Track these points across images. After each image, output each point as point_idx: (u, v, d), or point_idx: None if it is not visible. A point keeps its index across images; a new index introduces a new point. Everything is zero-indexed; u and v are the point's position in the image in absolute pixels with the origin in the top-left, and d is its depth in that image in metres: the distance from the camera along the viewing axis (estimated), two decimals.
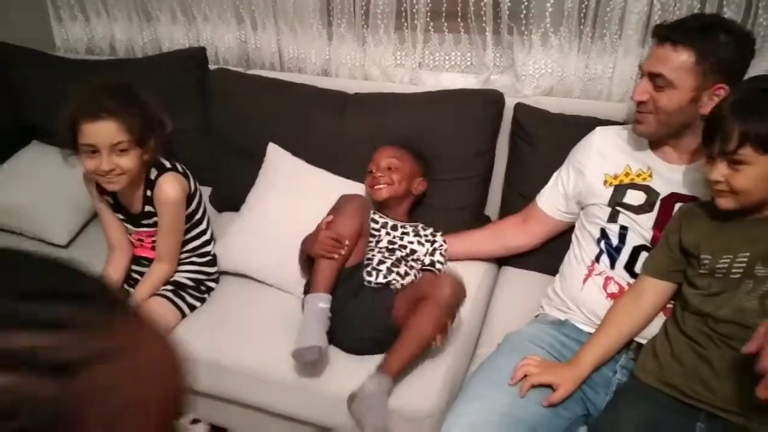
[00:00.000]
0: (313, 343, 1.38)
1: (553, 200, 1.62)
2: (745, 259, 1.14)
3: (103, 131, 1.52)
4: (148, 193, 1.68)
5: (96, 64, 2.30)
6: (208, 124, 2.12)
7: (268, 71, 2.23)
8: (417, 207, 1.85)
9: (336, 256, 1.51)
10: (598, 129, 1.56)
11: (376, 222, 1.73)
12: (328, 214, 1.62)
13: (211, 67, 2.24)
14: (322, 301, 1.47)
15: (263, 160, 1.97)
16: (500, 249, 1.77)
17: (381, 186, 1.73)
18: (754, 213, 1.16)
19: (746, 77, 1.30)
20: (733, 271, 1.15)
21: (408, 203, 1.78)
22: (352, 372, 1.44)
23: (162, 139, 1.64)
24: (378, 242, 1.69)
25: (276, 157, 1.97)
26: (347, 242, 1.52)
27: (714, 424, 1.13)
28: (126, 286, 1.75)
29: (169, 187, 1.66)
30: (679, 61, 1.27)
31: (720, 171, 1.13)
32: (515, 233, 1.73)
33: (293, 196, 1.84)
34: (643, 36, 1.78)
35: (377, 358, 1.43)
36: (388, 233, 1.72)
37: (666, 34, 1.29)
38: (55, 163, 2.00)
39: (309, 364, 1.43)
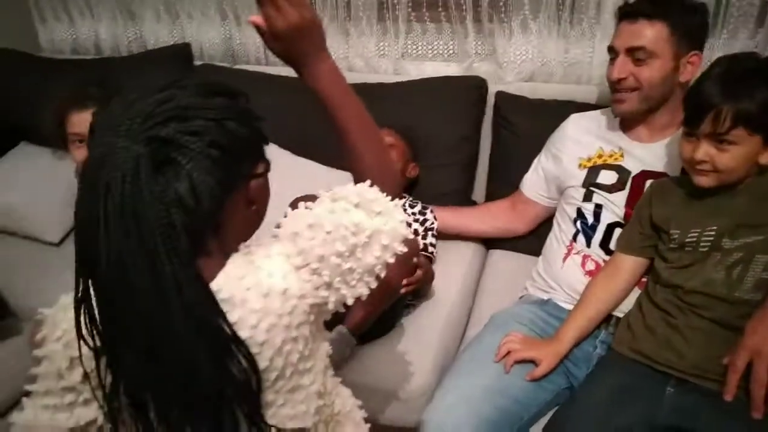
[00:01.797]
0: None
1: (534, 186, 1.67)
2: (713, 233, 1.18)
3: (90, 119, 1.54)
4: None
5: (81, 63, 2.32)
6: None
7: (254, 66, 2.25)
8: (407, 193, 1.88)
9: None
10: (572, 116, 1.61)
11: None
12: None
13: (197, 63, 2.26)
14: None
15: None
16: (492, 229, 1.80)
17: None
18: (723, 187, 1.20)
19: (722, 54, 1.33)
20: (702, 244, 1.19)
21: (400, 187, 1.80)
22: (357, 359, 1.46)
23: None
24: None
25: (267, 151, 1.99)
26: None
27: (683, 388, 1.17)
28: None
29: None
30: (656, 32, 1.33)
31: (706, 151, 1.14)
32: (505, 216, 1.76)
33: (283, 189, 1.85)
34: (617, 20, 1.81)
35: (379, 342, 1.47)
36: None
37: (638, 10, 1.35)
38: (44, 163, 2.03)
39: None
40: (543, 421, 1.27)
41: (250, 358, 0.72)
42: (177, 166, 0.69)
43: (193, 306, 0.68)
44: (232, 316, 0.72)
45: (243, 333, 0.72)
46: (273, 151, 2.00)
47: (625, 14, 1.38)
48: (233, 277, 0.75)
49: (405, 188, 1.85)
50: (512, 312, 1.47)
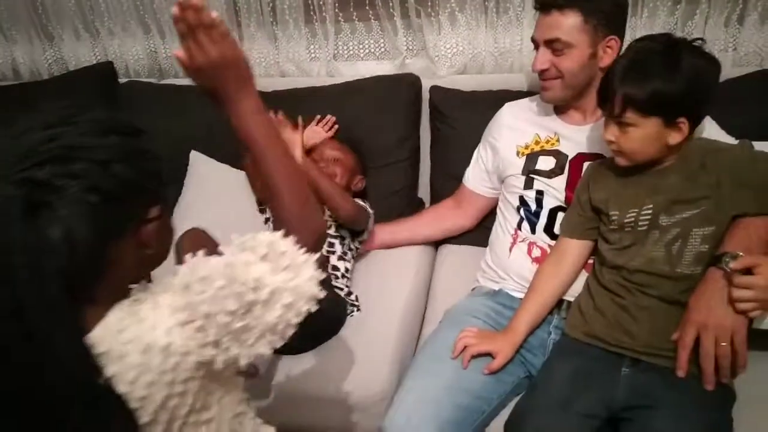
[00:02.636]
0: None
1: (477, 178, 1.67)
2: (650, 211, 1.20)
3: None
4: None
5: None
6: None
7: (183, 79, 2.19)
8: None
9: None
10: (506, 105, 1.62)
11: None
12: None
13: (122, 80, 2.19)
14: None
15: (186, 170, 1.95)
16: (439, 232, 1.80)
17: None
18: (655, 166, 1.22)
19: (643, 35, 1.36)
20: (640, 223, 1.21)
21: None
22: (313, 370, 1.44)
23: None
24: None
25: (200, 164, 1.95)
26: None
27: (637, 368, 1.18)
28: None
29: None
30: (570, 23, 1.35)
31: (612, 132, 1.20)
32: (451, 216, 1.76)
33: (223, 202, 1.83)
34: None
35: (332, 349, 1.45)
36: None
37: (550, 2, 1.37)
38: None
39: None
40: (504, 413, 1.27)
41: (128, 414, 0.68)
42: (51, 211, 0.65)
43: (64, 359, 0.64)
44: (109, 370, 0.68)
45: (121, 388, 0.68)
46: (209, 165, 1.97)
47: (539, 6, 1.40)
48: (112, 330, 0.71)
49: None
50: (465, 306, 1.46)
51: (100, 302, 0.72)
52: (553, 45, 1.38)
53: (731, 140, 1.35)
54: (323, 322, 1.45)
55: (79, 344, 0.66)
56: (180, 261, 1.52)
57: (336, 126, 1.85)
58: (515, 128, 1.55)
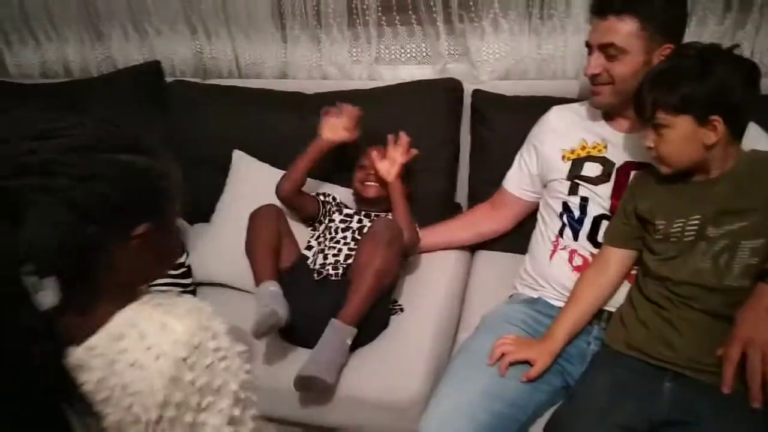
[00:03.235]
0: (271, 306, 1.42)
1: (519, 182, 1.66)
2: (697, 222, 1.18)
3: None
4: None
5: (50, 87, 2.28)
6: (170, 137, 2.11)
7: (226, 79, 2.23)
8: None
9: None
10: (554, 108, 1.60)
11: (347, 214, 1.76)
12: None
13: (168, 80, 2.23)
14: (270, 287, 1.52)
15: (229, 168, 1.98)
16: (474, 237, 1.80)
17: (372, 184, 1.76)
18: (699, 175, 1.21)
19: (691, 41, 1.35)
20: (687, 234, 1.19)
21: (387, 203, 1.77)
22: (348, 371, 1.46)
23: None
24: (343, 236, 1.71)
25: (242, 163, 1.98)
26: None
27: (681, 383, 1.16)
28: None
29: None
30: (626, 29, 1.32)
31: (650, 138, 1.19)
32: (487, 220, 1.76)
33: (263, 201, 1.85)
34: (587, 14, 1.80)
35: (369, 352, 1.47)
36: (354, 222, 1.75)
37: (607, 7, 1.34)
38: None
39: (270, 329, 1.42)
40: (541, 422, 1.26)
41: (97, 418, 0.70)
42: (22, 220, 0.66)
43: (38, 366, 0.66)
44: (93, 372, 0.70)
45: (100, 395, 0.70)
46: (252, 165, 1.99)
47: (596, 10, 1.39)
48: (112, 333, 0.72)
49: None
50: (502, 312, 1.46)
51: (104, 299, 0.74)
52: (608, 50, 1.36)
53: None
54: (373, 323, 1.49)
55: (52, 348, 0.68)
56: (255, 225, 1.63)
57: (413, 151, 1.78)
58: (562, 132, 1.53)
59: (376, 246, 1.47)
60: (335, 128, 1.76)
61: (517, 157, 1.67)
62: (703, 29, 1.74)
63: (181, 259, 1.84)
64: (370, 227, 1.59)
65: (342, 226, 1.75)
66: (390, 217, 1.71)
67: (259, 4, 2.09)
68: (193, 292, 1.84)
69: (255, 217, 1.68)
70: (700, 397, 1.12)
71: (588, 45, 1.42)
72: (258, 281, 1.57)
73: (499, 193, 1.72)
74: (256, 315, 1.42)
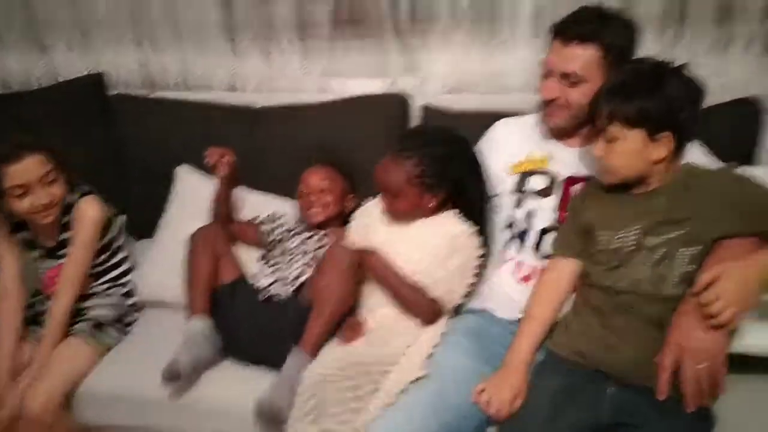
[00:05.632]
0: (174, 359, 1.43)
1: None
2: (637, 232, 1.21)
3: (30, 167, 1.54)
4: (64, 219, 1.65)
5: None
6: (113, 152, 2.06)
7: (174, 92, 2.19)
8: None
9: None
10: (499, 122, 1.62)
11: (297, 234, 1.74)
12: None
13: (112, 92, 2.18)
14: (197, 324, 1.53)
15: (173, 184, 1.95)
16: None
17: (317, 210, 1.72)
18: (639, 187, 1.24)
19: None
20: (627, 244, 1.21)
21: (339, 221, 1.75)
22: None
23: (72, 164, 1.65)
24: (297, 257, 1.69)
25: (187, 178, 1.94)
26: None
27: (623, 388, 1.19)
28: (31, 327, 1.69)
29: (91, 207, 1.65)
30: (588, 57, 1.33)
31: (600, 147, 1.23)
32: None
33: (208, 217, 1.81)
34: (534, 28, 1.86)
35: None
36: (309, 244, 1.72)
37: (571, 32, 1.34)
38: None
39: (176, 381, 1.45)
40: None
41: None
42: None
43: None
44: None
45: None
46: (197, 179, 1.96)
47: (558, 33, 1.38)
48: None
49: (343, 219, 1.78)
50: (448, 325, 1.45)
51: None
52: (567, 77, 1.36)
53: (718, 164, 1.36)
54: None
55: None
56: (191, 258, 1.61)
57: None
58: (507, 145, 1.54)
59: (337, 273, 1.44)
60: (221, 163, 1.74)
61: None
62: (642, 46, 1.79)
63: (129, 277, 1.79)
64: (327, 251, 1.56)
65: (298, 249, 1.71)
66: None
67: (208, 16, 2.07)
68: (139, 311, 1.79)
69: (191, 241, 1.65)
70: (642, 401, 1.15)
71: (545, 66, 1.41)
72: (189, 314, 1.58)
73: None
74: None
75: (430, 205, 1.46)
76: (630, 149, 1.19)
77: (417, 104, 1.94)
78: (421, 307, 1.43)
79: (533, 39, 1.88)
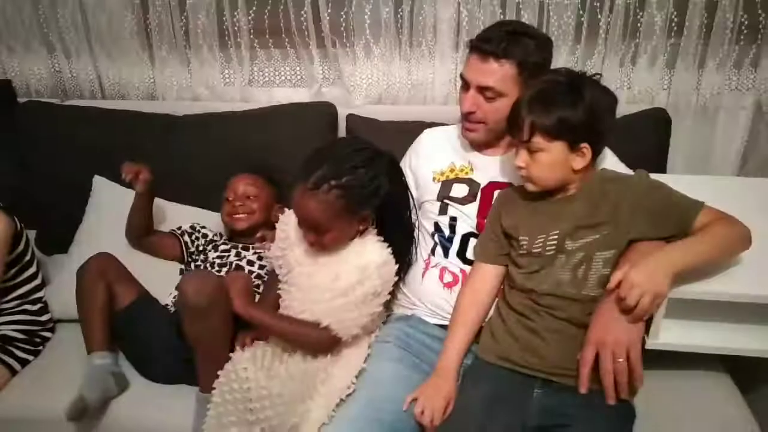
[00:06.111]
0: (78, 395, 1.40)
1: None
2: (556, 237, 1.25)
3: None
4: None
5: None
6: (23, 162, 1.96)
7: (89, 100, 2.11)
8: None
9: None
10: (425, 131, 1.65)
11: (223, 249, 1.70)
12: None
13: (22, 100, 2.07)
14: (96, 360, 1.49)
15: (88, 195, 1.88)
16: None
17: (241, 216, 1.70)
18: (560, 194, 1.28)
19: None
20: (548, 248, 1.25)
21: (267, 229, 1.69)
22: None
23: None
24: (219, 271, 1.65)
25: (103, 189, 1.87)
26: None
27: (549, 389, 1.22)
28: None
29: None
30: (504, 73, 1.36)
31: (522, 158, 1.26)
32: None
33: (125, 229, 1.75)
34: (455, 42, 1.91)
35: None
36: (231, 257, 1.69)
37: (488, 49, 1.37)
38: None
39: (81, 419, 1.41)
40: None
41: None
42: None
43: None
44: None
45: None
46: (113, 190, 1.89)
47: (474, 49, 1.41)
48: None
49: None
50: (378, 332, 1.45)
51: None
52: (485, 92, 1.39)
53: (628, 171, 1.43)
54: None
55: None
56: (81, 287, 1.50)
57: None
58: (432, 155, 1.57)
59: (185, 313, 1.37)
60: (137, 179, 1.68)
61: None
62: (556, 59, 1.87)
63: (39, 293, 1.70)
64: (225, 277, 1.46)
65: (218, 261, 1.68)
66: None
67: (120, 23, 2.01)
68: (52, 330, 1.70)
69: (80, 276, 1.56)
70: (567, 400, 1.18)
71: (463, 79, 1.45)
72: (89, 350, 1.52)
73: None
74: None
75: (359, 228, 1.36)
76: (552, 160, 1.22)
77: (342, 114, 1.94)
78: (310, 342, 1.33)
79: (452, 52, 1.92)
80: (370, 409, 1.24)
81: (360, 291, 1.31)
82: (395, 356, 1.36)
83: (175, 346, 1.45)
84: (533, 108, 1.22)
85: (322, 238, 1.33)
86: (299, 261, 1.39)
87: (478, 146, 1.53)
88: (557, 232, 1.25)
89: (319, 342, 1.32)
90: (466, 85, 1.44)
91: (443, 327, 1.39)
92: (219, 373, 1.30)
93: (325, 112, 1.94)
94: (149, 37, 2.05)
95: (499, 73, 1.37)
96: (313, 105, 1.97)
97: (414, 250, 1.49)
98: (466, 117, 1.46)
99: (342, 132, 1.94)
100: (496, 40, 1.37)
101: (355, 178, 1.29)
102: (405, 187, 1.46)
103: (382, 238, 1.39)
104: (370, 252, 1.35)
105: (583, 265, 1.23)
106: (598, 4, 1.83)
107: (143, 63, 2.08)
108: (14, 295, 1.65)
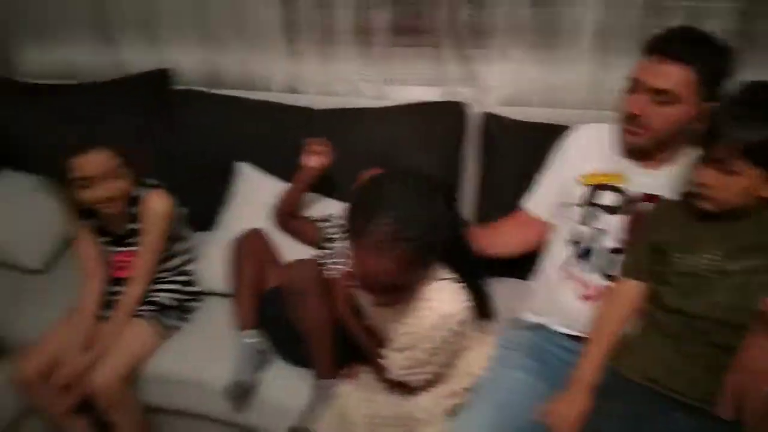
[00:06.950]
0: (237, 379, 1.52)
1: (541, 201, 1.61)
2: (717, 257, 1.18)
3: (95, 161, 1.59)
4: (133, 210, 1.70)
5: (57, 88, 2.27)
6: (175, 145, 2.12)
7: (234, 90, 2.24)
8: None
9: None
10: (582, 126, 1.57)
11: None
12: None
13: (176, 88, 2.24)
14: (246, 338, 1.58)
15: (231, 179, 1.99)
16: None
17: None
18: (729, 211, 1.19)
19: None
20: (704, 268, 1.19)
21: None
22: None
23: (141, 159, 1.70)
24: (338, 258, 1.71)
25: (247, 175, 1.98)
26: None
27: (694, 415, 1.17)
28: (104, 310, 1.74)
29: (159, 201, 1.70)
30: (685, 77, 1.27)
31: (710, 176, 1.16)
32: (503, 239, 1.68)
33: (270, 210, 1.86)
34: (593, 45, 1.86)
35: None
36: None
37: (671, 51, 1.28)
38: (27, 191, 2.00)
39: (244, 399, 1.54)
40: None
41: None
42: None
43: None
44: None
45: None
46: (257, 176, 2.01)
47: (656, 50, 1.31)
48: None
49: None
50: (505, 339, 1.46)
51: None
52: (658, 95, 1.30)
53: None
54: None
55: None
56: (236, 266, 1.64)
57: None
58: (582, 155, 1.50)
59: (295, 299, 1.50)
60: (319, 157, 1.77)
61: (539, 177, 1.62)
62: None
63: (189, 266, 1.86)
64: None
65: (341, 250, 1.73)
66: None
67: (267, 18, 2.11)
68: (199, 301, 1.85)
69: (236, 249, 1.68)
70: (711, 427, 1.14)
71: (633, 82, 1.36)
72: (240, 327, 1.63)
73: (516, 215, 1.66)
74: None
75: (424, 279, 1.26)
76: (745, 185, 1.14)
77: (474, 113, 1.95)
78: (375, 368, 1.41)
79: (591, 55, 1.88)
80: (497, 413, 1.26)
81: (431, 343, 1.28)
82: (522, 364, 1.36)
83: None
84: (743, 125, 1.11)
85: (386, 296, 1.26)
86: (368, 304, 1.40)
87: (632, 155, 1.43)
88: (718, 252, 1.18)
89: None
90: (634, 87, 1.35)
91: (575, 338, 1.37)
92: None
93: (456, 110, 1.94)
94: (293, 31, 2.13)
95: (679, 76, 1.27)
96: (444, 103, 1.99)
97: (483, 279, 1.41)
98: (629, 120, 1.36)
99: (472, 132, 1.95)
100: (680, 44, 1.29)
101: (421, 231, 1.14)
102: (462, 224, 1.43)
103: (451, 277, 1.29)
104: (446, 302, 1.26)
105: (744, 288, 1.16)
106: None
107: (285, 57, 2.17)
108: (167, 266, 1.80)
